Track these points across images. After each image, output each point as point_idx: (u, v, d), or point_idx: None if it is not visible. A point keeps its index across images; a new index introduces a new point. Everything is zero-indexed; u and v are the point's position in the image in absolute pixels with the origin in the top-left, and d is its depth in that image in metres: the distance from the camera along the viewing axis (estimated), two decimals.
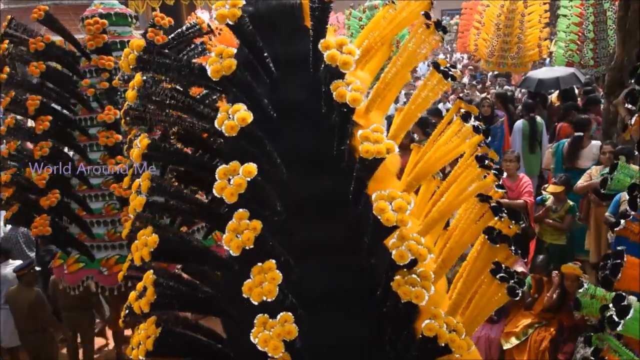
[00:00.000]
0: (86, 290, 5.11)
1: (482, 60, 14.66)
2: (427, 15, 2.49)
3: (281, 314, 2.08)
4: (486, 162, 2.43)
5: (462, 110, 2.48)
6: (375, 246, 2.33)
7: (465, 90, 13.30)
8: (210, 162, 2.60)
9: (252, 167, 2.09)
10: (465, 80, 14.87)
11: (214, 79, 2.17)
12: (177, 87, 2.56)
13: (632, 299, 2.42)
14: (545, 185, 6.49)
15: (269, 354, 2.02)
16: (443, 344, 2.15)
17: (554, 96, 10.16)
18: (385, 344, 2.36)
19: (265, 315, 2.09)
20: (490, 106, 8.44)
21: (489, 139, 2.46)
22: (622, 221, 3.10)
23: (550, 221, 5.96)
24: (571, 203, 5.98)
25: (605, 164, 5.96)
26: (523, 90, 10.93)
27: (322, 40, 2.22)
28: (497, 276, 2.44)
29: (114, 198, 4.97)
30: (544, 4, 13.67)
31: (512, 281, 2.44)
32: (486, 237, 2.50)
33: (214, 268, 2.53)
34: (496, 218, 3.10)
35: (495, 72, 14.54)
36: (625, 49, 7.86)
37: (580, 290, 2.83)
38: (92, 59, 5.02)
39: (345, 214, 2.43)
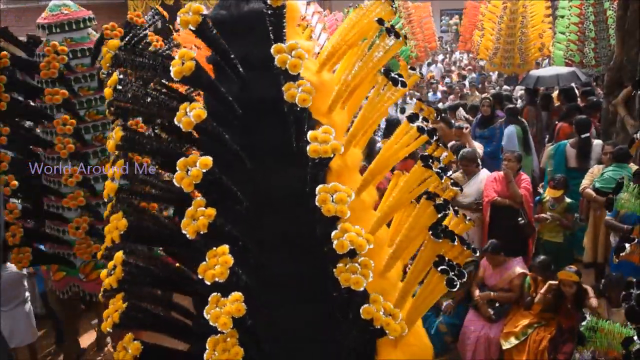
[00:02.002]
0: None
1: (486, 62, 14.77)
2: (380, 21, 2.68)
3: (232, 293, 2.30)
4: (430, 162, 2.61)
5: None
6: (327, 236, 2.54)
7: (465, 90, 13.29)
8: (182, 152, 2.80)
9: (208, 160, 2.31)
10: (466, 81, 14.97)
11: (175, 79, 2.39)
12: (156, 83, 2.78)
13: None
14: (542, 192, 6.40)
15: (219, 329, 2.25)
16: (378, 327, 2.37)
17: (553, 96, 10.09)
18: (333, 326, 2.59)
19: (218, 294, 2.31)
20: (490, 106, 8.39)
21: (434, 138, 2.64)
22: (628, 245, 3.02)
23: (553, 215, 5.84)
24: (569, 201, 5.95)
25: (607, 163, 6.03)
26: (520, 92, 10.92)
27: (273, 45, 2.43)
28: (439, 268, 2.64)
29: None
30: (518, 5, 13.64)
31: (453, 273, 2.64)
32: (430, 232, 2.69)
33: (181, 250, 2.76)
34: (452, 214, 3.33)
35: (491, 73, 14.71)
36: (624, 49, 7.84)
37: (583, 324, 2.81)
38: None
39: (307, 206, 2.64)
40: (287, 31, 2.77)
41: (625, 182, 2.95)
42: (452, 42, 25.27)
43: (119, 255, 2.57)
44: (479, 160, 6.38)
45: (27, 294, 5.65)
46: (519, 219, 5.79)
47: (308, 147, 2.37)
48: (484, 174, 6.23)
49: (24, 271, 5.49)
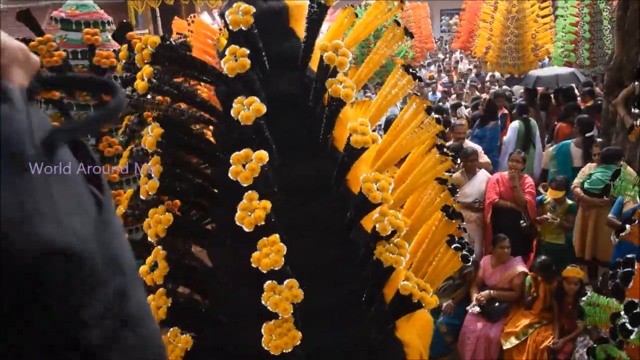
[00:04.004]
0: None
1: (488, 62, 14.83)
2: (397, 22, 2.91)
3: (287, 280, 2.42)
4: (444, 149, 2.90)
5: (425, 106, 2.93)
6: (356, 221, 2.73)
7: (464, 90, 13.34)
8: (215, 150, 2.83)
9: (263, 154, 2.40)
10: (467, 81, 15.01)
11: (229, 75, 2.45)
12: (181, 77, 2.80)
13: None
14: (544, 193, 6.33)
15: (280, 315, 2.36)
16: (416, 301, 2.61)
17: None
18: (362, 305, 2.78)
19: (274, 281, 2.42)
20: (483, 106, 8.15)
21: (447, 129, 2.92)
22: (628, 226, 3.12)
23: (554, 218, 5.81)
24: (570, 202, 5.92)
25: (597, 164, 6.03)
26: (521, 92, 10.90)
27: (320, 43, 2.56)
28: (452, 246, 2.94)
29: None
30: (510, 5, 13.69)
31: (464, 250, 2.95)
32: (444, 214, 2.98)
33: (214, 246, 2.81)
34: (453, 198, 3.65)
35: (495, 73, 14.84)
36: (624, 49, 7.77)
37: (584, 299, 2.94)
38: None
39: (328, 194, 2.79)
40: (297, 30, 2.90)
41: (623, 169, 3.21)
42: (452, 42, 25.47)
43: (159, 250, 2.58)
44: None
45: None
46: (521, 221, 5.87)
47: (350, 138, 2.52)
48: (482, 174, 6.25)
49: None
